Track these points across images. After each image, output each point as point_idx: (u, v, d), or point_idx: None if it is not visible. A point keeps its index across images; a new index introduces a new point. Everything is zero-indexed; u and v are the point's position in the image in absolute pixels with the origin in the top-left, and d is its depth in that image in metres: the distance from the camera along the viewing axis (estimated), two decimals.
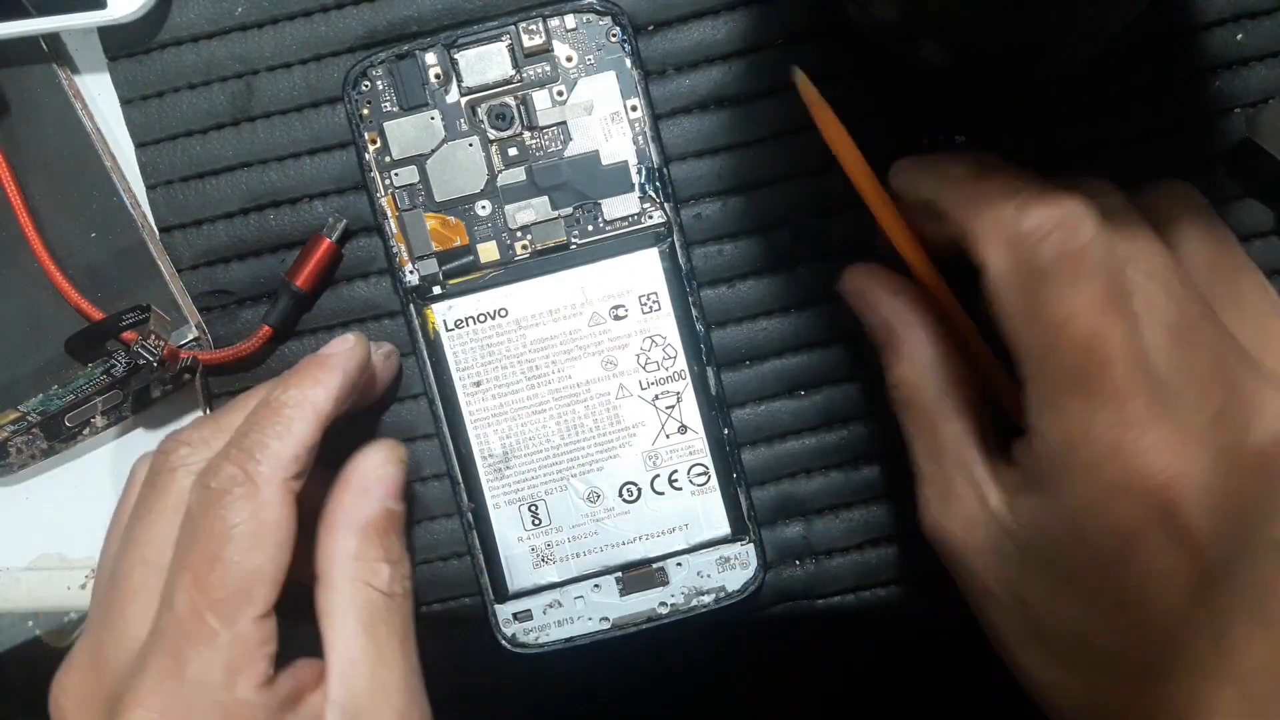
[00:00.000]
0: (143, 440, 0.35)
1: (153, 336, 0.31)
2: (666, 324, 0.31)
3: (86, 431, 0.34)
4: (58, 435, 0.34)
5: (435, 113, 0.30)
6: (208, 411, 0.34)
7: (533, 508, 0.31)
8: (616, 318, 0.31)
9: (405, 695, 0.27)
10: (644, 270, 0.31)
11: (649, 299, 0.31)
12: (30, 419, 0.33)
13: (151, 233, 0.34)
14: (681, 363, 0.31)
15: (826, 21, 0.32)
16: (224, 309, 0.34)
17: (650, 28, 0.32)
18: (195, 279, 0.34)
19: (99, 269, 0.33)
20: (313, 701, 0.26)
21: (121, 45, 0.33)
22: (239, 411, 0.29)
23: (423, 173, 0.31)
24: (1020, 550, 0.25)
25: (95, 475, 0.35)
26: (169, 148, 0.33)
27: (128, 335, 0.32)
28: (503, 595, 0.31)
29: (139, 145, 0.33)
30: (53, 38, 0.34)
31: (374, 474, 0.29)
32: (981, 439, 0.26)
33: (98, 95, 0.34)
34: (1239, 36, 0.32)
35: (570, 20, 0.30)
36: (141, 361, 0.31)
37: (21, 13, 0.32)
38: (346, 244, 0.33)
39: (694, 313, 0.31)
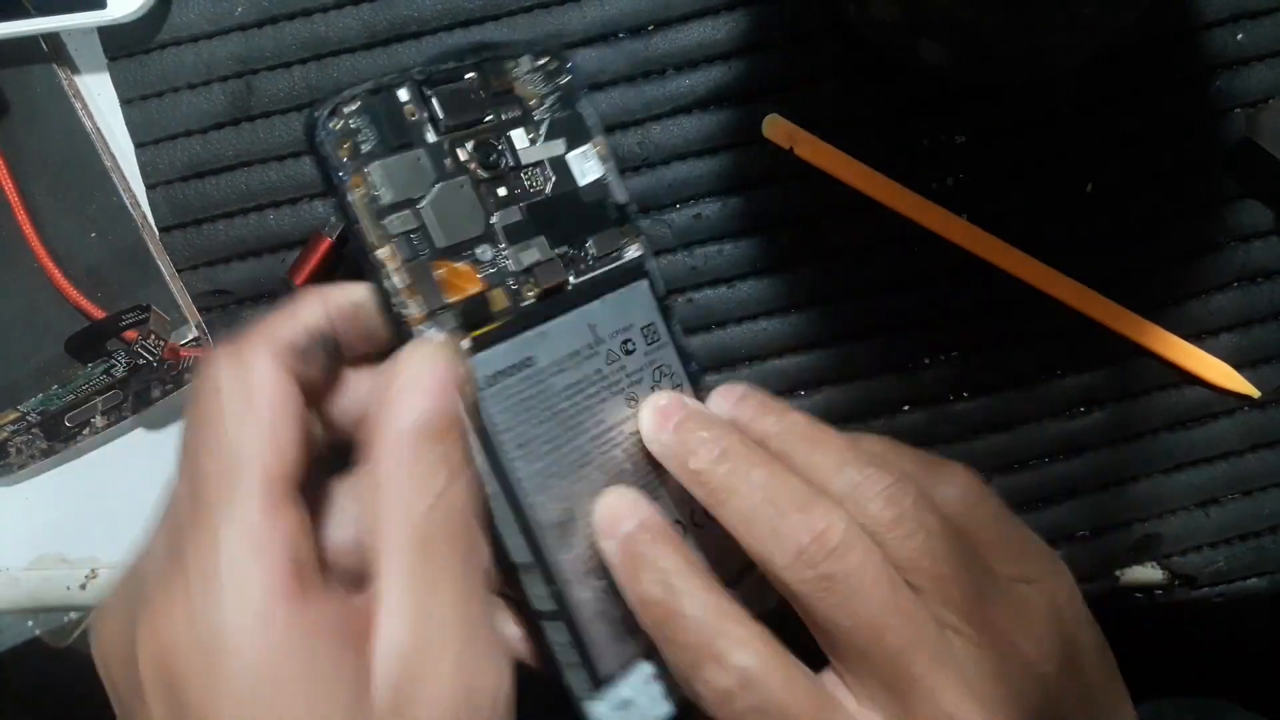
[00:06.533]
0: (143, 440, 0.35)
1: (153, 336, 0.31)
2: (668, 353, 0.30)
3: (86, 431, 0.34)
4: (58, 435, 0.34)
5: (421, 153, 0.27)
6: None
7: (604, 572, 0.27)
8: (627, 352, 0.29)
9: (465, 631, 0.21)
10: (638, 302, 0.30)
11: (649, 330, 0.30)
12: (30, 419, 0.33)
13: (151, 233, 0.34)
14: (687, 387, 0.30)
15: (826, 21, 0.32)
16: (224, 309, 0.34)
17: (650, 27, 0.32)
18: (195, 279, 0.34)
19: (99, 269, 0.33)
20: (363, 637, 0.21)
21: (121, 45, 0.33)
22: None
23: (418, 218, 0.26)
24: None
25: (95, 475, 0.35)
26: (169, 147, 0.33)
27: (128, 335, 0.32)
28: (598, 684, 0.27)
29: (139, 145, 0.33)
30: (53, 38, 0.34)
31: (422, 366, 0.23)
32: None
33: (98, 95, 0.34)
34: (1239, 36, 0.32)
35: (525, 62, 0.29)
36: (142, 361, 0.31)
37: (21, 13, 0.32)
38: (347, 243, 0.33)
39: (679, 340, 0.30)
